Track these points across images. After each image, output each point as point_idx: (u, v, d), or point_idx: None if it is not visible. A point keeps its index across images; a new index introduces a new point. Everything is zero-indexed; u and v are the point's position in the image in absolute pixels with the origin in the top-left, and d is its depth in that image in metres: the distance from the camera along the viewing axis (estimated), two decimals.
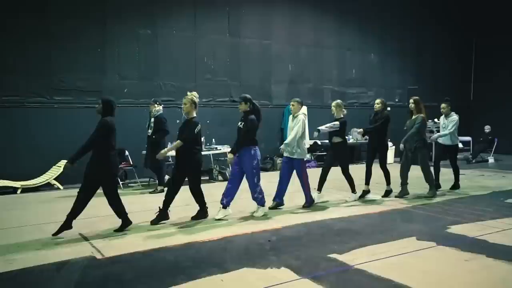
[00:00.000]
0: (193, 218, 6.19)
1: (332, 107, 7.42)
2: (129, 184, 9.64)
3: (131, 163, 9.58)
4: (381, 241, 5.04)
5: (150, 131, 8.41)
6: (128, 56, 10.41)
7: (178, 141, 5.93)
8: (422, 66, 15.57)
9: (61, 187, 8.97)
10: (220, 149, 10.10)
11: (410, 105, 7.76)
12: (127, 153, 9.47)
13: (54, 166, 9.05)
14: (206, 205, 6.30)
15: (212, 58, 11.61)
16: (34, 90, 9.28)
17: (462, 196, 7.88)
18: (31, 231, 5.66)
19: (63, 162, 8.97)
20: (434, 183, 7.88)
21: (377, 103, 7.69)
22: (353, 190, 7.41)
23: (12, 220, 6.32)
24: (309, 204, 7.02)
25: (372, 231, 5.56)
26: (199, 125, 6.02)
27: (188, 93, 6.13)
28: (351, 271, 4.10)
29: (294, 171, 6.91)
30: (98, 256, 4.62)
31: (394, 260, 4.38)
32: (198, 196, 6.25)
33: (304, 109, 7.30)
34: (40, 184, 8.79)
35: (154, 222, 5.91)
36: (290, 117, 7.06)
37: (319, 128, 7.18)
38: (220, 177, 10.29)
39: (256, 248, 4.88)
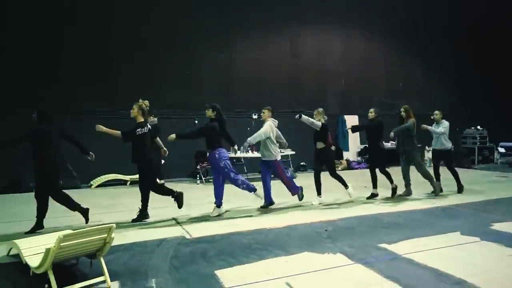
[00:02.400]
0: (133, 220, 5.64)
1: (314, 114, 6.84)
2: (209, 180, 9.97)
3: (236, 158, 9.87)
4: (426, 234, 4.78)
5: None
6: (209, 76, 10.83)
7: (119, 131, 5.53)
8: (463, 79, 14.51)
9: (159, 180, 9.48)
10: (283, 152, 10.09)
11: (401, 113, 7.32)
12: (208, 154, 9.77)
13: None
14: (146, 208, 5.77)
15: (277, 76, 11.72)
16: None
17: (504, 197, 7.22)
18: (135, 213, 6.04)
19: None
20: (433, 179, 7.34)
21: (371, 112, 7.23)
22: (346, 186, 6.79)
23: (123, 205, 6.84)
24: (298, 192, 6.48)
25: (418, 225, 5.29)
26: (144, 128, 5.60)
27: (140, 100, 5.79)
28: (400, 259, 3.94)
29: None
30: (187, 236, 4.86)
31: (439, 252, 4.14)
32: (162, 193, 5.82)
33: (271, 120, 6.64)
34: (131, 180, 9.34)
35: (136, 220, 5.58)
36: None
37: (302, 115, 6.56)
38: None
39: (314, 235, 4.85)
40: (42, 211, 5.16)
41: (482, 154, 12.77)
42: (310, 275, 3.59)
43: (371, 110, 7.26)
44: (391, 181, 7.14)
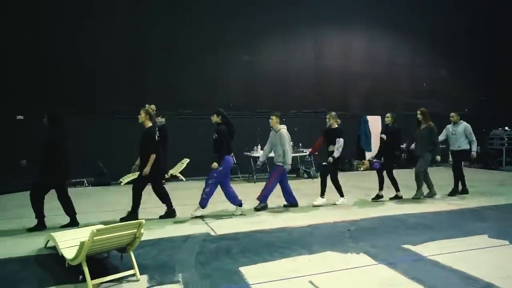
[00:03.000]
0: (160, 217, 5.67)
1: (327, 118, 6.63)
2: (233, 179, 10.02)
3: (235, 161, 9.94)
4: (452, 236, 4.62)
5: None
6: (234, 77, 10.89)
7: (153, 155, 5.42)
8: (491, 79, 13.92)
9: (184, 179, 9.64)
10: (305, 152, 10.06)
11: (418, 116, 7.02)
12: (232, 153, 9.84)
13: (178, 163, 9.74)
14: (172, 206, 5.78)
15: (300, 77, 11.65)
16: (165, 105, 10.09)
17: None
18: (164, 210, 6.13)
19: (186, 160, 9.69)
20: (422, 185, 6.98)
21: (387, 117, 6.95)
22: (342, 195, 6.63)
23: (151, 203, 6.95)
24: (261, 207, 6.20)
25: (443, 226, 5.12)
26: (156, 132, 5.48)
27: (147, 105, 5.60)
28: (424, 261, 3.83)
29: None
30: (212, 233, 4.90)
31: (465, 254, 3.99)
32: (162, 197, 5.74)
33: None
34: (169, 177, 9.53)
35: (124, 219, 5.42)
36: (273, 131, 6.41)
37: (333, 158, 6.40)
38: (305, 175, 10.25)
39: (337, 235, 4.78)
40: (38, 209, 5.13)
41: (510, 155, 12.22)
42: (333, 274, 3.54)
43: (388, 115, 7.01)
44: (396, 188, 6.93)
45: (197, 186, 8.40)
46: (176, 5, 10.23)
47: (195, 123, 10.01)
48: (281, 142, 6.25)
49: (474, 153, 7.26)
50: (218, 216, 5.85)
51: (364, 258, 3.92)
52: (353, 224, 5.29)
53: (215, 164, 5.68)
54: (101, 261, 3.84)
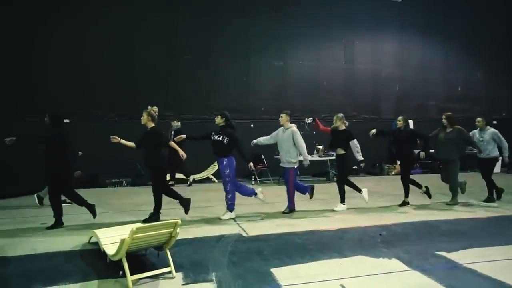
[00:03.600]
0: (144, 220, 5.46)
1: (334, 120, 6.43)
2: (264, 181, 10.04)
3: (265, 164, 9.97)
4: (490, 244, 4.38)
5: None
6: (265, 82, 10.93)
7: (182, 136, 5.73)
8: None
9: (216, 180, 9.77)
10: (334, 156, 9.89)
11: (443, 120, 6.69)
12: (263, 156, 9.88)
13: (211, 165, 9.89)
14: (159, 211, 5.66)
15: (331, 81, 11.50)
16: (200, 109, 10.34)
17: None
18: (198, 210, 6.24)
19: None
20: (457, 193, 6.68)
21: (399, 120, 6.63)
22: (343, 201, 6.33)
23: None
24: (289, 211, 6.08)
25: (481, 234, 4.86)
26: (172, 134, 5.40)
27: (149, 107, 5.59)
28: (461, 269, 3.64)
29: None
30: (244, 234, 4.91)
31: (505, 263, 3.76)
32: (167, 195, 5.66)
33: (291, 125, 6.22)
34: (203, 178, 9.70)
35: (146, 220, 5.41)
36: (281, 128, 6.18)
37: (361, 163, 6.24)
38: (335, 179, 10.05)
39: (368, 239, 4.66)
40: (58, 209, 5.28)
41: None
42: (364, 278, 3.45)
43: (400, 118, 6.69)
44: (406, 194, 6.63)
45: None
46: (209, 13, 10.41)
47: None
48: (295, 138, 5.96)
49: (506, 158, 6.85)
50: (249, 217, 5.87)
51: (397, 264, 3.79)
52: (384, 228, 5.13)
53: (251, 164, 5.79)
54: (139, 258, 3.95)
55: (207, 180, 9.80)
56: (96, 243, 4.16)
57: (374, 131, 6.54)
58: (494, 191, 6.99)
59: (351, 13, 11.52)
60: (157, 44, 10.04)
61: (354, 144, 6.28)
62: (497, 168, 11.32)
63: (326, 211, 6.26)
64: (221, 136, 5.68)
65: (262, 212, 6.05)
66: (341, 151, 6.30)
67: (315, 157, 9.70)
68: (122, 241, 3.26)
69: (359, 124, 10.11)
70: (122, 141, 5.55)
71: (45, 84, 9.07)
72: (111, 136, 5.48)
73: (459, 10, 12.45)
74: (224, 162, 5.66)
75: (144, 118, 5.58)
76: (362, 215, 5.98)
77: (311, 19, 11.13)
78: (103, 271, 3.63)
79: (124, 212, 6.27)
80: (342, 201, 6.38)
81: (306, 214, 6.07)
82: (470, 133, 7.00)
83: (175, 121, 9.04)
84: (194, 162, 9.61)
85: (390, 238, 4.70)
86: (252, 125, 9.91)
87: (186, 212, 5.61)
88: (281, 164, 6.26)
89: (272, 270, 3.65)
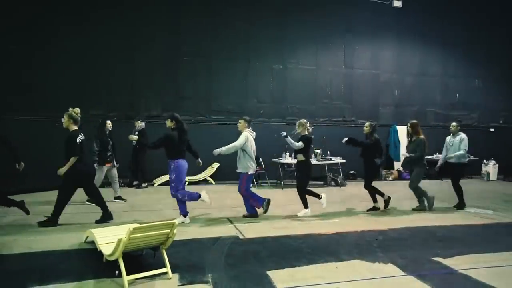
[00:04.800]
0: (97, 221, 5.44)
1: (296, 126, 6.23)
2: (261, 184, 10.04)
3: (263, 167, 9.98)
4: (485, 250, 4.40)
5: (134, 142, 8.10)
6: (264, 85, 10.96)
7: (72, 158, 5.15)
8: None
9: (213, 182, 9.77)
10: (333, 160, 9.92)
11: (407, 129, 6.74)
12: (260, 159, 9.89)
13: (209, 167, 9.89)
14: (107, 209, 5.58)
15: (329, 85, 11.55)
16: (199, 111, 10.35)
17: None
18: (196, 212, 6.24)
19: (216, 164, 9.83)
20: (422, 197, 6.67)
21: (366, 126, 6.56)
22: (306, 207, 6.19)
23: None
24: (250, 215, 5.98)
25: (477, 240, 4.88)
26: (79, 135, 5.27)
27: (70, 109, 5.41)
28: (456, 275, 3.66)
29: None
30: (240, 236, 4.91)
31: (500, 270, 3.78)
32: (93, 198, 5.58)
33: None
34: (200, 179, 9.69)
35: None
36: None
37: (285, 135, 5.99)
38: (333, 183, 10.10)
39: (365, 244, 4.67)
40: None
41: None
42: (361, 283, 3.46)
43: (366, 124, 6.59)
44: (374, 199, 6.61)
45: (225, 190, 8.51)
46: (210, 16, 10.44)
47: (226, 128, 10.14)
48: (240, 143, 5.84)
49: (446, 160, 6.92)
50: (246, 220, 5.87)
51: (393, 269, 3.80)
52: (381, 233, 5.15)
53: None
54: (136, 258, 3.95)
55: (204, 182, 9.80)
56: (93, 243, 4.15)
57: (346, 138, 6.47)
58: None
59: (351, 18, 11.58)
60: (158, 46, 10.06)
61: (294, 144, 5.98)
62: (493, 176, 11.42)
63: (323, 215, 6.26)
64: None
65: (259, 215, 6.05)
66: (301, 158, 6.09)
67: (313, 161, 9.69)
68: (119, 241, 3.26)
69: (358, 129, 10.13)
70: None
71: (45, 84, 9.07)
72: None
73: (459, 17, 12.54)
74: (172, 166, 5.46)
75: (66, 121, 5.31)
76: (358, 220, 5.99)
77: (311, 23, 11.18)
78: (99, 271, 3.63)
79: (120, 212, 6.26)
80: (306, 207, 6.19)
81: (303, 217, 6.07)
82: (444, 149, 7.08)
83: (139, 121, 8.73)
84: (192, 164, 9.64)
85: (387, 243, 4.72)
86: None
87: (108, 217, 5.48)
88: (237, 170, 6.06)
89: (268, 272, 3.65)
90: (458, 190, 6.91)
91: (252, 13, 10.73)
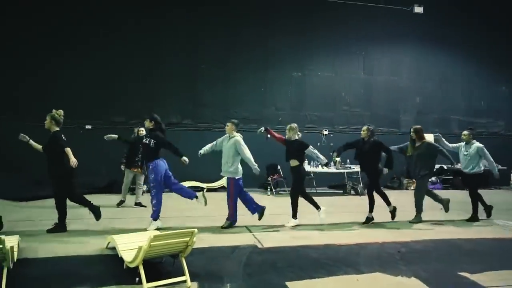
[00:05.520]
0: (48, 230, 5.28)
1: (287, 130, 6.11)
2: (280, 192, 9.98)
3: (282, 175, 9.93)
4: None
5: None
6: (283, 93, 10.97)
7: (67, 148, 5.14)
8: None
9: (205, 187, 9.69)
10: (353, 168, 9.78)
11: (411, 134, 6.45)
12: (279, 167, 9.85)
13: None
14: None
15: (349, 93, 11.44)
16: (217, 118, 10.43)
17: None
18: (213, 219, 6.27)
19: None
20: (421, 211, 6.40)
21: (363, 130, 6.28)
22: (294, 216, 6.00)
23: (199, 211, 7.12)
24: (229, 224, 5.79)
25: (505, 255, 4.68)
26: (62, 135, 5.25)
27: (53, 110, 5.39)
28: None
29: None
30: (259, 245, 4.88)
31: None
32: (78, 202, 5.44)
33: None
34: (218, 186, 9.71)
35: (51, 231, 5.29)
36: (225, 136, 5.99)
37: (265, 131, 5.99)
38: (352, 192, 9.94)
39: (386, 256, 4.55)
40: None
41: None
42: None
43: (364, 128, 6.34)
44: (371, 209, 6.32)
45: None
46: (230, 25, 10.57)
47: (244, 136, 10.16)
48: (238, 148, 5.78)
49: (496, 175, 6.54)
50: (264, 228, 5.84)
51: (416, 283, 3.69)
52: (403, 245, 5.00)
53: (185, 158, 5.61)
54: (155, 265, 3.98)
55: (222, 189, 9.80)
56: (114, 249, 4.21)
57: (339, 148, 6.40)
58: (485, 209, 6.72)
59: (371, 25, 11.48)
60: (178, 54, 10.25)
61: (311, 150, 5.89)
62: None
63: (343, 224, 6.16)
64: (148, 139, 5.60)
65: (278, 224, 6.01)
66: (294, 163, 5.94)
67: (332, 169, 9.59)
68: (140, 248, 3.30)
69: (378, 137, 9.96)
70: (31, 141, 5.34)
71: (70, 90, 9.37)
72: (20, 134, 5.29)
73: (482, 22, 12.22)
74: (150, 167, 5.50)
75: (47, 122, 5.34)
76: (380, 230, 5.86)
77: (330, 30, 11.15)
78: (120, 277, 3.67)
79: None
80: (294, 215, 6.00)
81: (322, 227, 5.99)
82: (456, 145, 6.81)
83: (140, 129, 8.28)
84: (209, 170, 9.63)
85: (409, 255, 4.58)
86: (269, 136, 9.95)
87: (97, 218, 5.37)
88: (221, 173, 6.01)
89: (287, 283, 3.61)
90: (475, 202, 6.64)
91: (270, 20, 10.80)
